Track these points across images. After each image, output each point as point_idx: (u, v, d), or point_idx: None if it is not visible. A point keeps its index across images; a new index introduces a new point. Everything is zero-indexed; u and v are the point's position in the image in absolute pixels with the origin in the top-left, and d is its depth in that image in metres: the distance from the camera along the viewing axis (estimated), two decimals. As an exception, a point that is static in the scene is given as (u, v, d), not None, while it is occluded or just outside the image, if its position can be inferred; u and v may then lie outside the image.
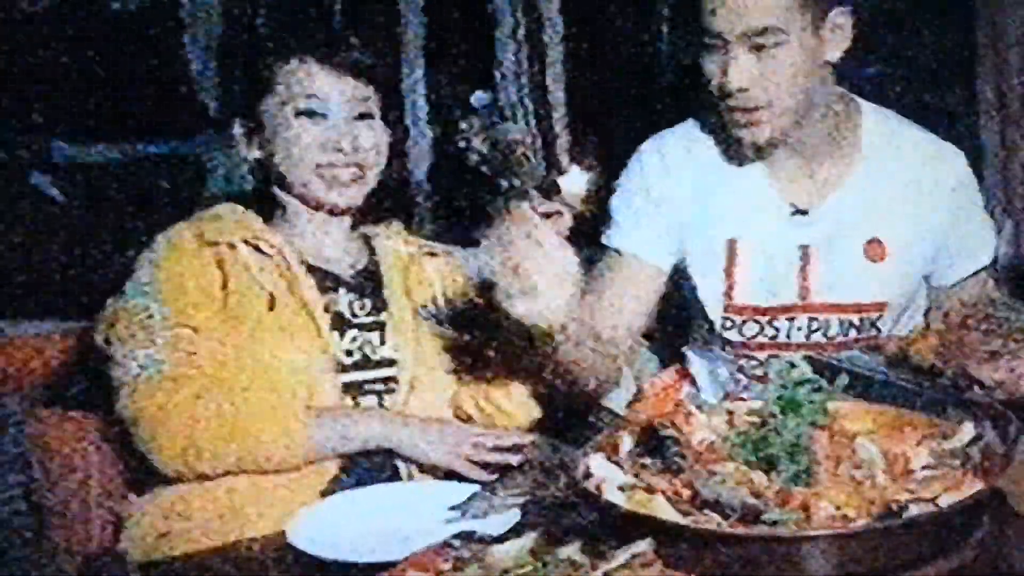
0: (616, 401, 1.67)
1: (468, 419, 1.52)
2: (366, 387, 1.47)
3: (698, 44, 1.47)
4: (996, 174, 2.31)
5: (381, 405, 1.47)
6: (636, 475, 1.08)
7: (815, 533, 0.95)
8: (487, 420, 1.51)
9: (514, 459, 1.40)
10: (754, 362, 1.58)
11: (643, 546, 0.94)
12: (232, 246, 1.46)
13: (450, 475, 1.41)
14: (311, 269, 1.50)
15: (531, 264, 1.23)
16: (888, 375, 1.27)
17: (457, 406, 1.53)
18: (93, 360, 1.48)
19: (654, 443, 1.12)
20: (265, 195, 1.53)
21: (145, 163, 3.25)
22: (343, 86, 1.48)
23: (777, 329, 1.55)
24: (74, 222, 3.08)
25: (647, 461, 1.10)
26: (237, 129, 1.53)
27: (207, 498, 1.38)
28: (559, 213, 1.65)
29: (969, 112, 2.36)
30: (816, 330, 1.54)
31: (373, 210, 1.57)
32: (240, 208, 1.53)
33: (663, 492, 1.03)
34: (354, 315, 1.50)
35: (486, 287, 1.32)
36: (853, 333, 1.54)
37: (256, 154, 1.52)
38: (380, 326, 1.51)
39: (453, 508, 1.17)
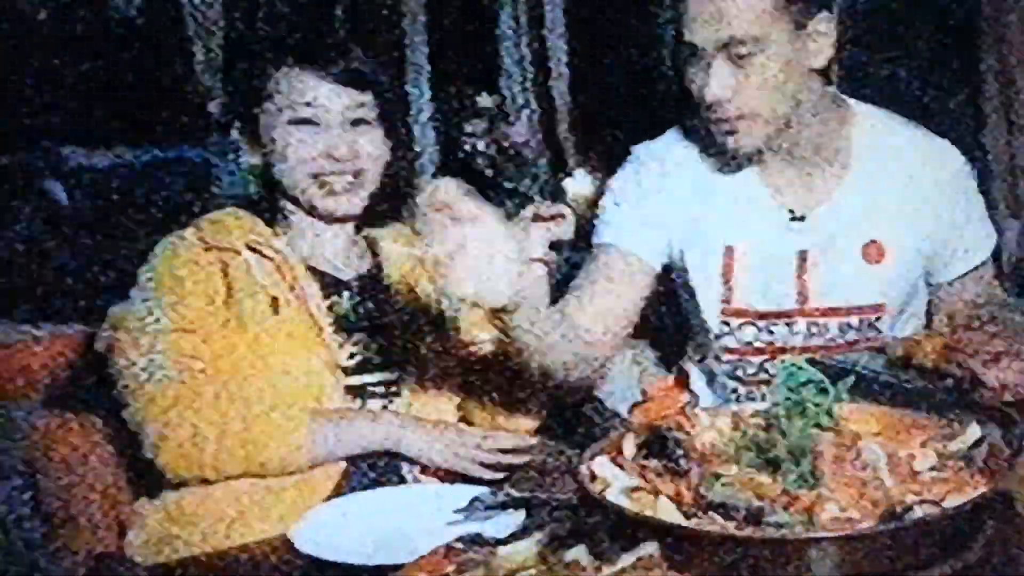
0: (620, 403, 1.66)
1: (473, 422, 1.52)
2: (370, 390, 1.47)
3: (680, 54, 1.46)
4: (1001, 174, 2.30)
5: (386, 408, 1.47)
6: (641, 477, 1.08)
7: (820, 535, 0.95)
8: (492, 423, 1.51)
9: (518, 462, 1.41)
10: (752, 368, 1.57)
11: (648, 549, 0.94)
12: (235, 251, 1.46)
13: (455, 477, 1.41)
14: (314, 272, 1.50)
15: (465, 246, 1.18)
16: (893, 377, 1.27)
17: (462, 408, 1.53)
18: (99, 364, 1.48)
19: (659, 445, 1.11)
20: (268, 199, 1.54)
21: (152, 168, 3.26)
22: (338, 94, 1.47)
23: (775, 333, 1.54)
24: (82, 226, 3.10)
25: (652, 463, 1.10)
26: (235, 135, 1.54)
27: (212, 501, 1.38)
28: (561, 215, 1.64)
29: (974, 112, 2.36)
30: (815, 334, 1.53)
31: (377, 213, 1.57)
32: (243, 212, 1.53)
33: (668, 494, 1.03)
34: (358, 319, 1.50)
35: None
36: (852, 335, 1.53)
37: (255, 160, 1.53)
38: (383, 329, 1.51)
39: (458, 511, 1.17)
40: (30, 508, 1.54)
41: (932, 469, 1.06)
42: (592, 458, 1.10)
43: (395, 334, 1.50)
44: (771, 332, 1.54)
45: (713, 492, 1.00)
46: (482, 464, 1.41)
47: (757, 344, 1.55)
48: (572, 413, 1.59)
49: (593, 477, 1.08)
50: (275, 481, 1.39)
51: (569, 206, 1.67)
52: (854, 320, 1.53)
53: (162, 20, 3.29)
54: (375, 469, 1.41)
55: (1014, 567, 1.00)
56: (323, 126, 1.47)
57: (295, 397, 1.41)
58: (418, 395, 1.49)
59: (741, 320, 1.55)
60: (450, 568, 0.96)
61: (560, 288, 1.54)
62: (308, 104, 1.47)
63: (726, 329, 1.56)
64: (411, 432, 1.41)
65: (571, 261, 1.67)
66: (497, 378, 1.48)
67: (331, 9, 3.26)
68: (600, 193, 1.74)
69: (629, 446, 1.13)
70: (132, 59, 3.27)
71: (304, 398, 1.42)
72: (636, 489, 1.05)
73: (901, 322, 1.56)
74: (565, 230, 1.65)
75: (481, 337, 1.48)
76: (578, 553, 0.96)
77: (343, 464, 1.41)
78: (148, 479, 1.43)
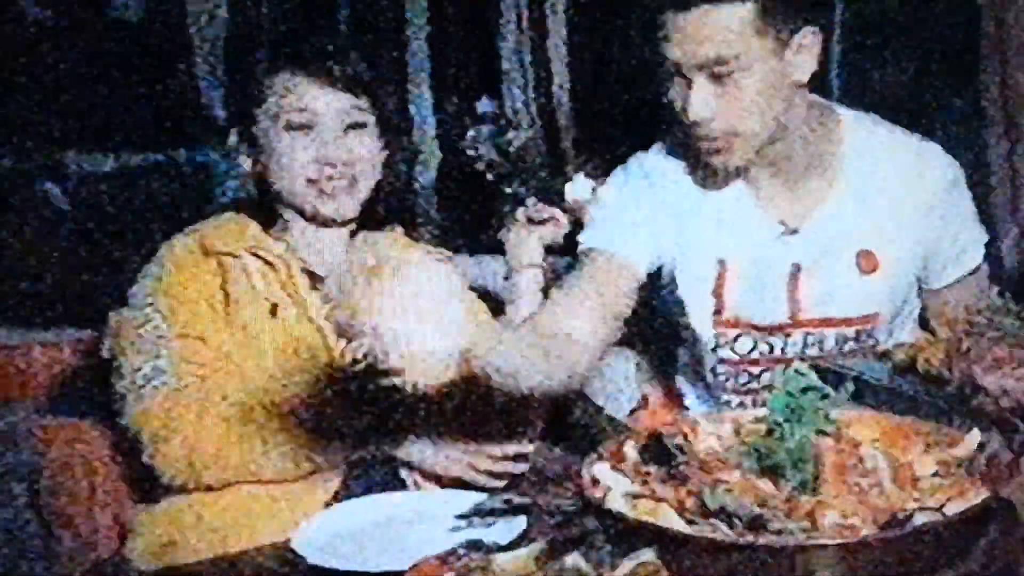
0: (619, 408, 1.66)
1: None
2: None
3: (660, 72, 1.43)
4: (1002, 181, 2.30)
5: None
6: (642, 484, 1.08)
7: (821, 542, 0.95)
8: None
9: (519, 468, 1.40)
10: (745, 379, 1.56)
11: (648, 555, 0.94)
12: (234, 255, 1.47)
13: (455, 483, 1.41)
14: (313, 276, 1.50)
15: (395, 311, 1.11)
16: (894, 383, 1.27)
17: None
18: (100, 369, 1.48)
19: (660, 451, 1.12)
20: (267, 203, 1.54)
21: (153, 172, 3.26)
22: (333, 99, 1.47)
23: (771, 345, 1.53)
24: (83, 231, 3.10)
25: (653, 469, 1.10)
26: (233, 139, 1.54)
27: (212, 507, 1.38)
28: (555, 219, 1.64)
29: (975, 118, 2.36)
30: (811, 344, 1.52)
31: (375, 216, 1.57)
32: (242, 217, 1.53)
33: (669, 501, 1.03)
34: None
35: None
36: (850, 345, 1.52)
37: (251, 165, 1.53)
38: (385, 333, 1.51)
39: (458, 517, 1.17)
40: (31, 513, 1.54)
41: (933, 476, 1.06)
42: (593, 464, 1.10)
43: None
44: (766, 343, 1.53)
45: (714, 498, 1.00)
46: (482, 471, 1.41)
47: (754, 355, 1.54)
48: (572, 419, 1.58)
49: (594, 483, 1.08)
50: (276, 487, 1.39)
51: (569, 211, 1.66)
52: (849, 331, 1.52)
53: (164, 24, 3.30)
54: (376, 475, 1.41)
55: (1015, 573, 1.00)
56: (317, 131, 1.47)
57: (296, 402, 1.41)
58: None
59: (735, 332, 1.54)
60: (449, 574, 0.96)
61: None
62: (302, 110, 1.46)
63: (720, 341, 1.54)
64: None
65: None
66: (479, 412, 1.46)
67: (333, 14, 3.26)
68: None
69: (631, 452, 1.13)
70: (134, 63, 3.27)
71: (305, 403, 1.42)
72: (637, 495, 1.05)
73: (895, 329, 1.56)
74: (559, 233, 1.65)
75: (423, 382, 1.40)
76: (578, 559, 0.96)
77: (344, 470, 1.40)
78: (149, 485, 1.43)
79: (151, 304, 1.43)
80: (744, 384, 1.56)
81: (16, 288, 2.75)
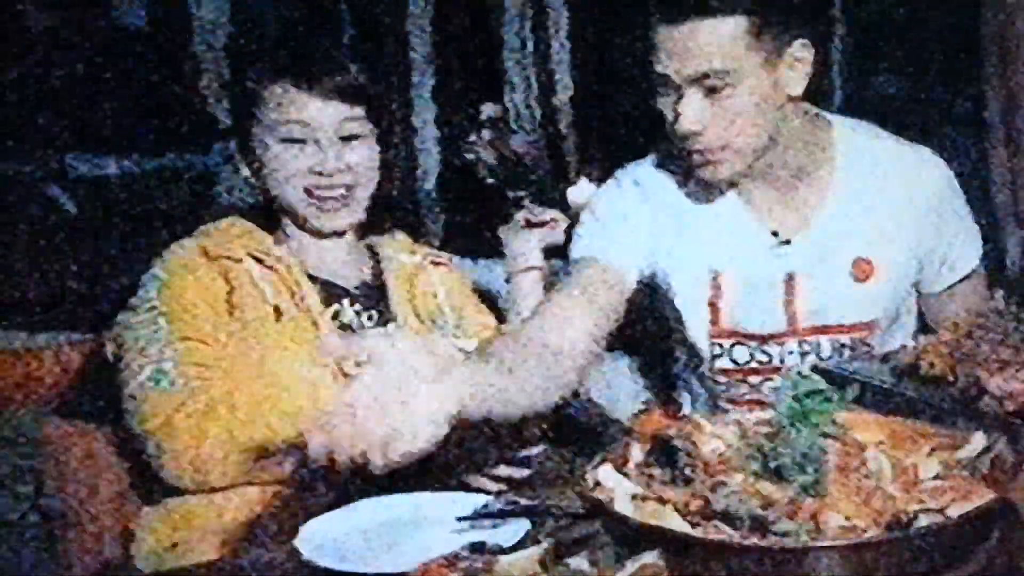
0: (623, 411, 1.66)
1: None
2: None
3: (652, 84, 1.42)
4: (1004, 184, 2.30)
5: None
6: (646, 486, 1.08)
7: (825, 544, 0.95)
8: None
9: (523, 471, 1.40)
10: (743, 388, 1.56)
11: (652, 557, 0.94)
12: (237, 259, 1.47)
13: (459, 486, 1.41)
14: (315, 281, 1.50)
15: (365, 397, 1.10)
16: (898, 386, 1.27)
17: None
18: (105, 372, 1.49)
19: (664, 453, 1.12)
20: (269, 209, 1.54)
21: (157, 176, 3.27)
22: (327, 110, 1.47)
23: (768, 354, 1.53)
24: (87, 234, 3.10)
25: (657, 472, 1.10)
26: (232, 147, 1.54)
27: (217, 509, 1.38)
28: (555, 220, 1.64)
29: (977, 123, 2.36)
30: (808, 352, 1.52)
31: (380, 222, 1.57)
32: (244, 221, 1.54)
33: (673, 503, 1.03)
34: (361, 326, 1.51)
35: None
36: (847, 353, 1.52)
37: (249, 174, 1.53)
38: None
39: (462, 519, 1.17)
40: (36, 515, 1.54)
41: (937, 478, 1.06)
42: (597, 466, 1.10)
43: None
44: (763, 353, 1.53)
45: (718, 501, 1.01)
46: (486, 473, 1.41)
47: (752, 365, 1.54)
48: (576, 421, 1.59)
49: (597, 485, 1.08)
50: (280, 488, 1.39)
51: (571, 215, 1.67)
52: (846, 338, 1.52)
53: (168, 29, 3.31)
54: (379, 476, 1.41)
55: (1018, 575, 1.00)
56: (312, 143, 1.47)
57: (299, 405, 1.42)
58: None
59: (731, 341, 1.53)
60: (454, 576, 0.96)
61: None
62: (296, 121, 1.46)
63: (717, 351, 1.54)
64: None
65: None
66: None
67: (336, 21, 3.27)
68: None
69: (636, 454, 1.13)
70: (138, 68, 3.28)
71: (308, 406, 1.42)
72: (641, 497, 1.05)
73: (892, 335, 1.55)
74: (558, 236, 1.65)
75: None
76: (582, 561, 0.96)
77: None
78: (153, 486, 1.43)
79: (155, 308, 1.43)
80: (743, 395, 1.56)
81: (22, 292, 2.76)
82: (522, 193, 1.85)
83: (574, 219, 1.64)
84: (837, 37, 2.67)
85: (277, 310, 1.45)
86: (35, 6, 3.23)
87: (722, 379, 1.56)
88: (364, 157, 1.49)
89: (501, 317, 1.66)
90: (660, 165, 1.56)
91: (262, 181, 1.51)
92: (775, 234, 1.51)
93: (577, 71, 3.18)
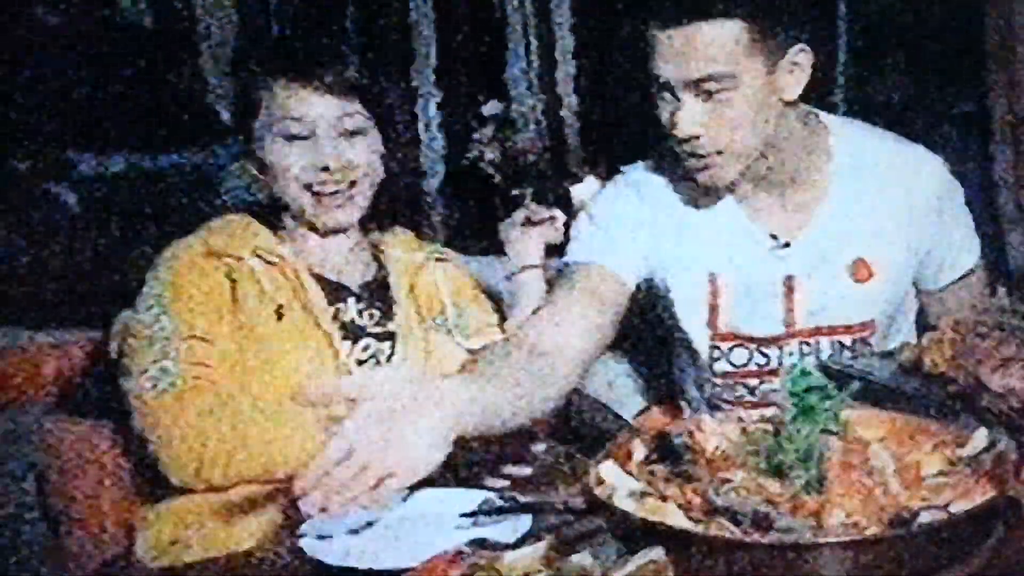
0: (625, 408, 1.66)
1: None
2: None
3: (649, 88, 1.42)
4: (1007, 184, 2.30)
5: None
6: (648, 482, 1.08)
7: (827, 541, 0.95)
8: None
9: (525, 470, 1.40)
10: (743, 390, 1.55)
11: (654, 554, 0.94)
12: (240, 257, 1.47)
13: (461, 482, 1.41)
14: (319, 279, 1.50)
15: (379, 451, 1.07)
16: (900, 382, 1.27)
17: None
18: (109, 370, 1.49)
19: (667, 450, 1.12)
20: (272, 206, 1.54)
21: (162, 174, 3.28)
22: (328, 105, 1.46)
23: (768, 356, 1.53)
24: (92, 232, 3.11)
25: (659, 468, 1.10)
26: (237, 145, 1.54)
27: (219, 505, 1.38)
28: (554, 218, 1.63)
29: (980, 122, 2.36)
30: (807, 354, 1.51)
31: (380, 217, 1.57)
32: (248, 218, 1.53)
33: (675, 499, 1.03)
34: (364, 325, 1.51)
35: None
36: (847, 353, 1.52)
37: (253, 171, 1.53)
38: (390, 336, 1.51)
39: (464, 515, 1.18)
40: (39, 512, 1.55)
41: (939, 475, 1.06)
42: (600, 463, 1.10)
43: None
44: (762, 355, 1.53)
45: (720, 497, 1.01)
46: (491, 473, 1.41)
47: (751, 367, 1.54)
48: (579, 418, 1.59)
49: (600, 482, 1.08)
50: (283, 486, 1.39)
51: (576, 213, 1.66)
52: (846, 338, 1.52)
53: (173, 26, 3.31)
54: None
55: (1020, 572, 1.00)
56: (312, 139, 1.46)
57: (303, 404, 1.41)
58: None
59: (730, 344, 1.53)
60: (456, 572, 0.97)
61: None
62: (297, 118, 1.46)
63: (716, 354, 1.54)
64: None
65: None
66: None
67: (341, 19, 3.27)
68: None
69: (638, 451, 1.13)
70: (142, 65, 3.28)
71: (312, 405, 1.42)
72: (644, 494, 1.05)
73: (891, 335, 1.55)
74: (559, 234, 1.65)
75: None
76: (584, 558, 0.96)
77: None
78: (156, 483, 1.43)
79: (158, 306, 1.43)
80: (740, 398, 1.55)
81: (25, 289, 2.76)
82: (526, 191, 1.85)
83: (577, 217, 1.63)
84: (841, 39, 2.67)
85: (279, 310, 1.45)
86: (41, 3, 3.23)
87: (721, 381, 1.56)
88: (365, 153, 1.49)
89: (504, 315, 1.66)
90: (658, 169, 1.56)
91: (265, 178, 1.51)
92: (774, 237, 1.51)
93: (581, 68, 3.18)
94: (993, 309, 1.28)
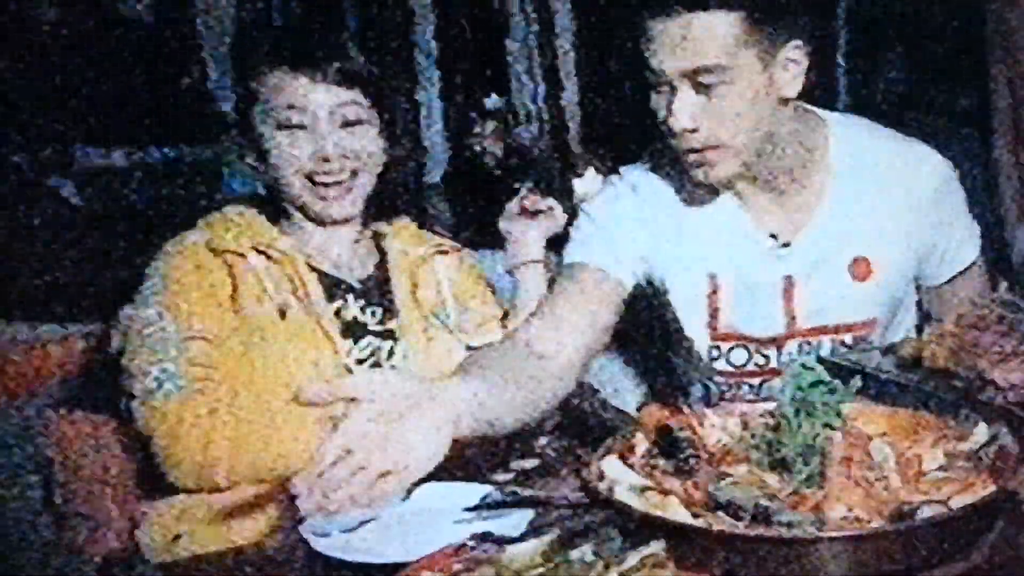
0: (627, 402, 1.66)
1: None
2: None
3: (645, 79, 1.41)
4: (1010, 179, 2.30)
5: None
6: (649, 477, 1.08)
7: (828, 535, 0.95)
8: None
9: (527, 463, 1.41)
10: (743, 390, 1.55)
11: (656, 547, 0.94)
12: (241, 254, 1.47)
13: (468, 477, 1.41)
14: (320, 275, 1.50)
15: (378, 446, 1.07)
16: (902, 377, 1.27)
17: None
18: (112, 364, 1.49)
19: (668, 445, 1.12)
20: (274, 198, 1.54)
21: (163, 167, 3.28)
22: (327, 94, 1.46)
23: (767, 356, 1.53)
24: (94, 225, 3.11)
25: (661, 463, 1.11)
26: (238, 136, 1.54)
27: (223, 500, 1.38)
28: (550, 208, 1.63)
29: (982, 118, 2.35)
30: (807, 353, 1.51)
31: (382, 208, 1.57)
32: (248, 210, 1.53)
33: (676, 493, 1.03)
34: (365, 323, 1.51)
35: None
36: (847, 352, 1.51)
37: (253, 162, 1.53)
38: (391, 334, 1.51)
39: (466, 509, 1.18)
40: (42, 506, 1.55)
41: (940, 469, 1.06)
42: (602, 457, 1.10)
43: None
44: (762, 355, 1.52)
45: (722, 491, 1.01)
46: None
47: (750, 367, 1.54)
48: (581, 412, 1.59)
49: (601, 476, 1.08)
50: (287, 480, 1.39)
51: (577, 206, 1.66)
52: (846, 337, 1.51)
53: (173, 20, 3.31)
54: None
55: (1021, 567, 1.00)
56: (311, 129, 1.46)
57: (303, 404, 1.41)
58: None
59: (730, 344, 1.53)
60: (458, 566, 0.97)
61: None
62: (295, 107, 1.45)
63: (715, 354, 1.54)
64: None
65: None
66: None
67: (341, 11, 3.27)
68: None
69: (641, 445, 1.14)
70: (143, 59, 3.28)
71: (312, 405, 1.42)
72: (645, 488, 1.06)
73: (892, 332, 1.55)
74: (557, 224, 1.64)
75: None
76: (586, 551, 0.96)
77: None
78: (160, 478, 1.44)
79: (159, 304, 1.43)
80: (742, 397, 1.55)
81: (28, 283, 2.76)
82: (526, 184, 1.84)
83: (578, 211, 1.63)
84: (841, 36, 2.67)
85: (282, 309, 1.45)
86: (41, -2, 3.24)
87: (721, 381, 1.56)
88: (365, 143, 1.49)
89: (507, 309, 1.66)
90: (656, 169, 1.55)
91: (266, 170, 1.51)
92: (774, 237, 1.50)
93: (583, 62, 3.18)
94: (994, 303, 1.28)
